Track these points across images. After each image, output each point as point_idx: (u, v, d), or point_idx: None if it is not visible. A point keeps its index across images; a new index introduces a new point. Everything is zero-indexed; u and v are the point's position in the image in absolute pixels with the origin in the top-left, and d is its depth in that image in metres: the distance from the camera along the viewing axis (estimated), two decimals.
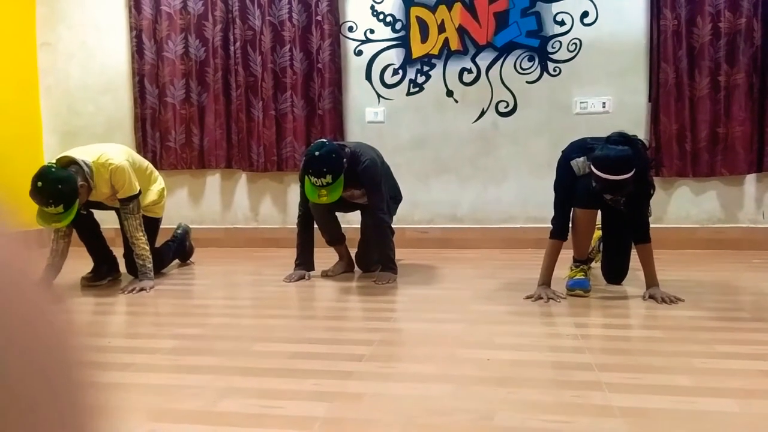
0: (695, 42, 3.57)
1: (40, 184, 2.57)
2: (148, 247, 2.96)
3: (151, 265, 2.95)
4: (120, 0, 4.25)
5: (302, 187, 2.94)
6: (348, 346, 1.99)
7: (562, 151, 2.64)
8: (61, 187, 2.59)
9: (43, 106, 4.44)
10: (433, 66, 3.90)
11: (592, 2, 3.70)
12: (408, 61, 3.92)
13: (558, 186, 2.61)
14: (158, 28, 4.15)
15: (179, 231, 3.55)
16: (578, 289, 2.57)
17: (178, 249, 3.48)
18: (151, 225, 3.11)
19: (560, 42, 3.75)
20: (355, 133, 3.98)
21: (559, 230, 2.58)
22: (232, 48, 4.07)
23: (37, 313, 0.20)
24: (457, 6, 3.83)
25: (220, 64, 4.08)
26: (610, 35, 3.70)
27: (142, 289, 2.85)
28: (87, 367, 0.22)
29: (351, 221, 3.33)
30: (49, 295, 0.21)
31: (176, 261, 3.52)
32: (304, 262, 3.06)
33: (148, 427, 1.40)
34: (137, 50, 4.18)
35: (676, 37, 3.57)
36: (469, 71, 3.86)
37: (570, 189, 2.52)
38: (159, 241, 3.26)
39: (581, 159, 2.49)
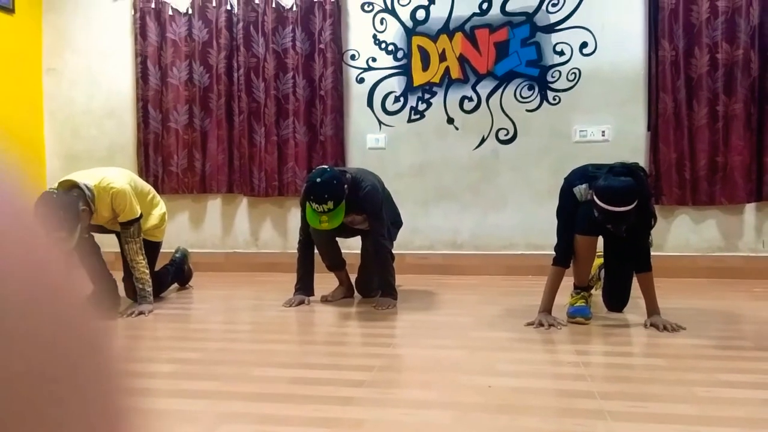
0: (693, 72, 3.62)
1: (41, 210, 2.57)
2: (147, 271, 2.96)
3: (150, 289, 2.94)
4: (126, 27, 4.31)
5: (303, 212, 2.95)
6: (348, 371, 1.97)
7: (565, 178, 2.65)
8: (62, 213, 2.59)
9: (47, 129, 4.47)
10: (434, 94, 3.94)
11: (591, 33, 3.76)
12: (409, 88, 3.97)
13: (561, 213, 2.62)
14: (163, 54, 4.21)
15: (177, 255, 3.54)
16: (579, 316, 2.56)
17: (176, 273, 3.47)
18: (152, 249, 3.11)
19: (560, 71, 3.80)
20: (356, 159, 4.00)
21: (561, 257, 2.58)
22: (235, 75, 4.12)
23: (75, 319, 0.20)
24: (458, 35, 3.89)
25: (223, 90, 4.13)
26: (609, 65, 3.75)
27: (141, 313, 2.84)
28: (124, 374, 0.22)
29: (351, 246, 3.33)
30: (88, 303, 0.22)
31: (175, 285, 3.51)
32: (304, 287, 3.05)
33: None
34: (142, 76, 4.23)
35: (674, 67, 3.62)
36: (470, 99, 3.91)
37: (573, 216, 2.53)
38: (158, 265, 3.25)
39: (583, 186, 2.51)
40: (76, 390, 0.19)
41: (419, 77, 3.95)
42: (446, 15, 3.89)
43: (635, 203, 2.31)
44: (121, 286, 3.12)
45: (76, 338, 0.20)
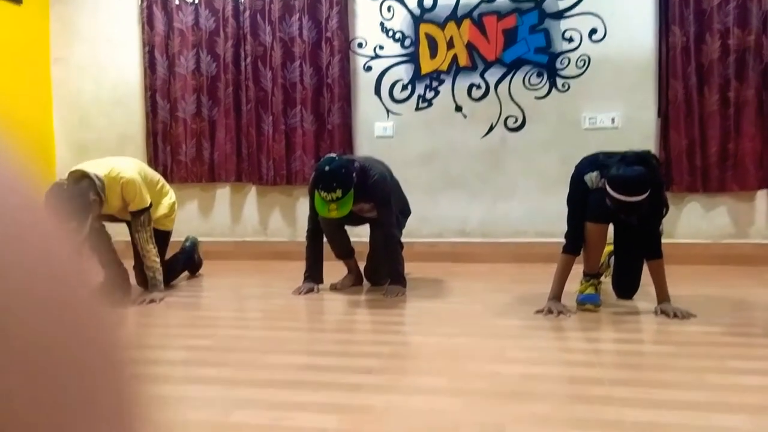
0: (704, 59, 3.58)
1: (52, 202, 2.59)
2: (158, 260, 2.98)
3: (161, 277, 2.96)
4: (133, 16, 4.31)
5: (312, 201, 2.95)
6: (358, 358, 1.98)
7: (576, 166, 2.64)
8: (73, 204, 2.61)
9: (56, 119, 4.49)
10: (441, 82, 3.92)
11: (601, 19, 3.72)
12: (417, 76, 3.95)
13: (571, 200, 2.61)
14: (170, 44, 4.21)
15: (187, 243, 3.56)
16: (588, 303, 2.56)
17: (186, 261, 3.50)
18: (162, 238, 3.13)
19: (569, 58, 3.77)
20: (364, 148, 4.00)
21: (571, 245, 2.57)
22: (243, 64, 4.11)
23: (89, 313, 0.21)
24: (466, 22, 3.86)
25: (231, 79, 4.12)
26: (619, 52, 3.71)
27: (152, 301, 2.86)
28: (135, 369, 0.22)
29: (360, 235, 3.33)
30: (97, 294, 0.22)
31: (185, 273, 3.54)
32: (313, 275, 3.06)
33: None
34: (149, 65, 4.24)
35: (685, 53, 3.58)
36: (478, 87, 3.88)
37: (583, 203, 2.52)
38: (168, 254, 3.28)
39: (594, 173, 2.50)
40: (84, 391, 0.19)
41: (427, 65, 3.93)
42: (454, 2, 3.86)
43: (648, 192, 2.30)
44: (132, 274, 3.15)
45: (86, 337, 0.20)
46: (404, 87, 3.97)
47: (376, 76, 4.01)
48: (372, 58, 4.01)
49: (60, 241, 0.20)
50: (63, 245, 0.20)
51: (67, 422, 0.18)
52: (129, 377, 0.22)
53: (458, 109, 3.92)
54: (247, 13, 4.05)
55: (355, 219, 3.07)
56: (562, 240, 2.62)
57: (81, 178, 2.78)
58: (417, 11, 3.92)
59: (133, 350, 0.22)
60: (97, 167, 2.87)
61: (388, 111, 4.00)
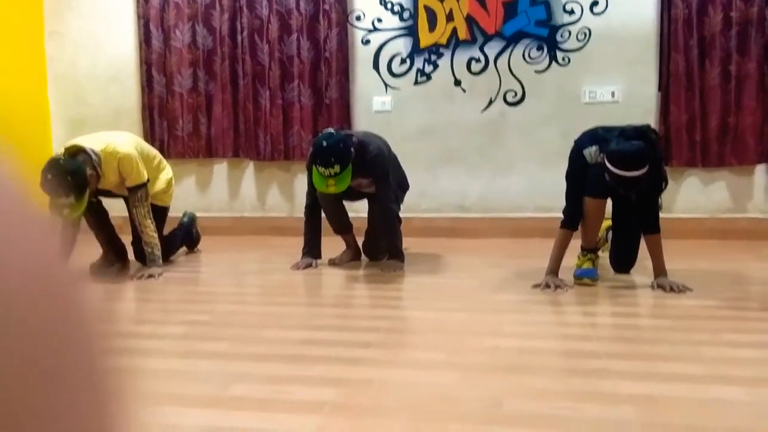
0: (706, 31, 3.54)
1: (50, 176, 2.58)
2: (156, 235, 2.98)
3: (159, 252, 2.96)
4: None
5: (310, 176, 2.94)
6: (356, 333, 1.99)
7: (575, 141, 2.62)
8: (71, 179, 2.60)
9: (51, 95, 4.44)
10: (440, 55, 3.88)
11: None
12: (416, 50, 3.91)
13: (570, 176, 2.60)
14: (165, 17, 4.15)
15: (185, 219, 3.56)
16: (586, 278, 2.56)
17: (184, 237, 3.50)
18: (159, 213, 3.12)
19: (569, 31, 3.72)
20: (362, 123, 3.97)
21: (570, 219, 2.57)
22: (239, 37, 4.06)
23: (64, 291, 0.20)
24: None
25: (227, 53, 4.07)
26: (620, 24, 3.66)
27: (150, 276, 2.86)
28: (110, 350, 0.22)
29: (358, 210, 3.33)
30: (75, 273, 0.21)
31: (183, 249, 3.54)
32: (312, 250, 3.07)
33: (158, 410, 1.41)
34: (145, 39, 4.18)
35: (687, 26, 3.54)
36: (477, 60, 3.84)
37: (582, 178, 2.52)
38: (166, 230, 3.27)
39: (594, 148, 2.48)
40: (70, 388, 0.19)
41: (426, 38, 3.89)
42: None
43: (647, 167, 2.29)
44: (130, 250, 3.15)
45: (74, 333, 0.20)
46: (403, 61, 3.93)
47: (375, 50, 3.96)
48: (370, 31, 3.96)
49: (47, 238, 0.20)
50: (50, 242, 0.20)
51: (53, 416, 0.18)
52: (115, 376, 0.22)
53: (457, 83, 3.88)
54: None
55: (354, 194, 3.06)
56: (561, 215, 2.62)
57: (77, 152, 2.76)
58: None
59: (119, 350, 0.22)
60: (93, 142, 2.84)
61: (386, 85, 3.97)
